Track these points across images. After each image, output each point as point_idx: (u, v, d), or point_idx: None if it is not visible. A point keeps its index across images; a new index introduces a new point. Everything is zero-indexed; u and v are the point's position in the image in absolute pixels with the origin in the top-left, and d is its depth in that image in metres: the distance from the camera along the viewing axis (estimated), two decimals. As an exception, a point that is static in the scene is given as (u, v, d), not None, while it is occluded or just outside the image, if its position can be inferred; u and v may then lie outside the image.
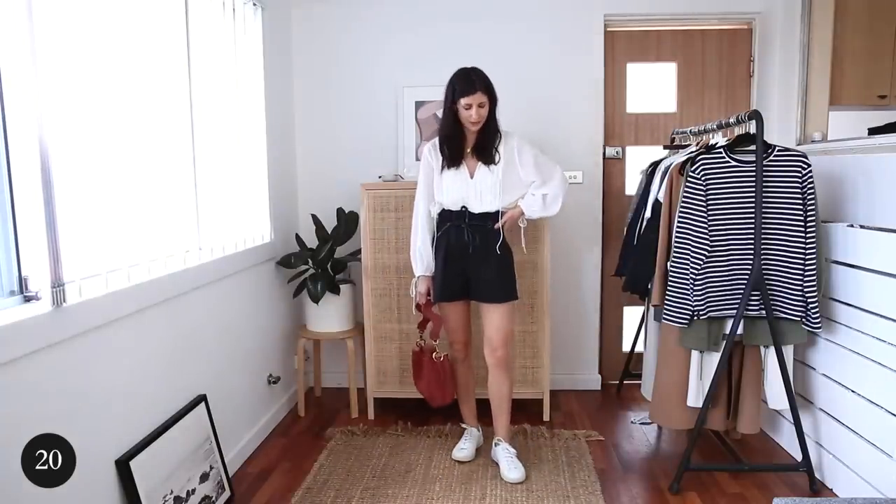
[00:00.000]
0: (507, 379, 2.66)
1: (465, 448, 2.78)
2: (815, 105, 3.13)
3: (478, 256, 2.58)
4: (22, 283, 1.61)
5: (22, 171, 1.58)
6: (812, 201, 2.43)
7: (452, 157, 2.57)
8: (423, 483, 2.58)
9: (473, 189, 2.56)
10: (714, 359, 2.55)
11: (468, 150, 2.58)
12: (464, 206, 2.58)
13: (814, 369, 2.63)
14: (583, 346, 3.66)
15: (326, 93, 3.60)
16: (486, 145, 2.55)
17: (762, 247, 2.45)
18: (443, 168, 2.60)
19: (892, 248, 2.18)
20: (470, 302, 2.70)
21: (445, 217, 2.62)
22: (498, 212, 2.58)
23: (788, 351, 2.56)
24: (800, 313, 2.47)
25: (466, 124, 2.52)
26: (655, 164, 3.01)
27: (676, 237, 2.52)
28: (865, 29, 3.13)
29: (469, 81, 2.47)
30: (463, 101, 2.47)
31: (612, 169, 3.64)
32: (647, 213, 2.83)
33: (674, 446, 2.96)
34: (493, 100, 2.52)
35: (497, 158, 2.56)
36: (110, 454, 1.88)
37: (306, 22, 3.56)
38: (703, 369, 2.58)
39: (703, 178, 2.47)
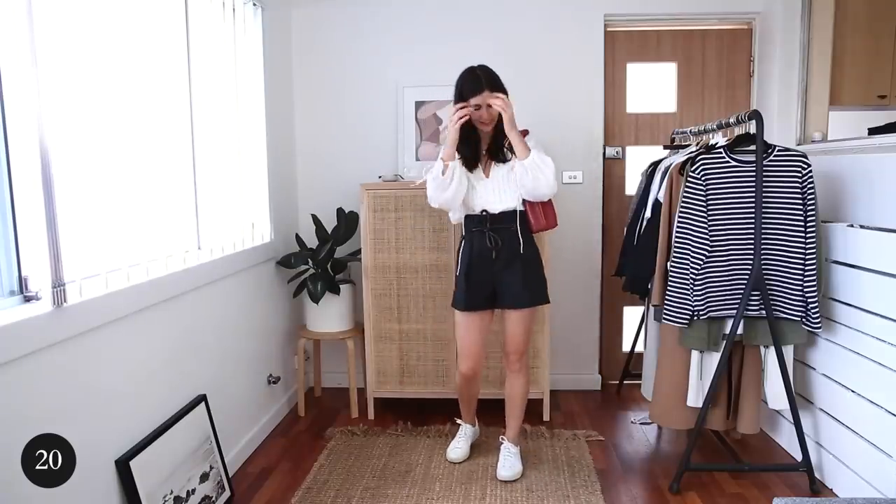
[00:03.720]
0: (523, 383, 2.64)
1: (459, 447, 2.78)
2: (815, 105, 3.13)
3: (502, 261, 2.51)
4: (22, 283, 1.61)
5: (22, 171, 1.58)
6: (812, 201, 2.43)
7: (469, 160, 2.51)
8: (423, 483, 2.58)
9: (491, 187, 2.50)
10: (714, 359, 2.55)
11: (484, 152, 2.54)
12: (484, 210, 2.52)
13: (814, 369, 2.63)
14: (583, 346, 3.66)
15: (326, 93, 3.60)
16: (499, 144, 2.51)
17: (762, 247, 2.45)
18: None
19: (892, 248, 2.18)
20: (492, 316, 2.63)
21: (468, 223, 2.57)
22: (516, 211, 2.50)
23: (788, 351, 2.56)
24: (800, 313, 2.47)
25: (478, 125, 2.47)
26: (655, 164, 3.01)
27: (676, 237, 2.52)
28: (865, 29, 3.13)
29: (475, 79, 2.42)
30: (471, 102, 2.42)
31: (612, 169, 3.64)
32: (647, 214, 2.83)
33: (674, 446, 2.96)
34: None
35: (510, 156, 2.49)
36: (110, 454, 1.88)
37: (306, 22, 3.56)
38: (703, 369, 2.58)
39: (703, 178, 2.47)
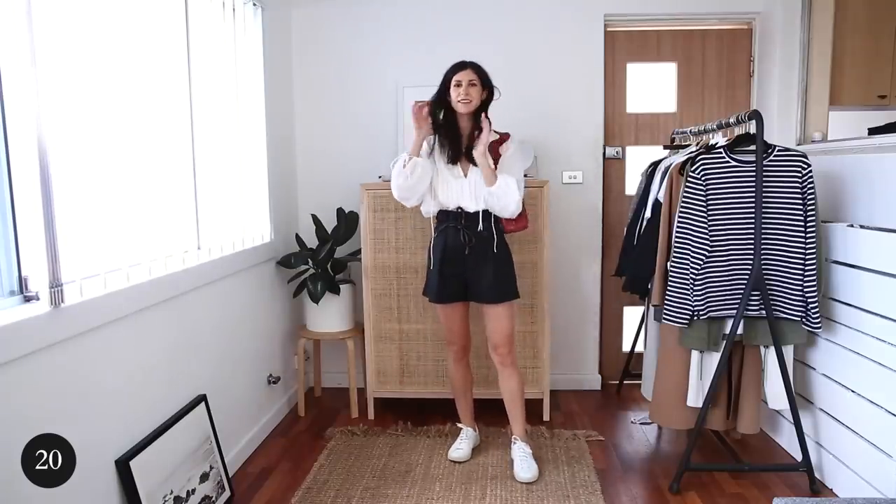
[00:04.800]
0: (515, 376, 2.65)
1: (461, 448, 2.78)
2: (815, 105, 3.13)
3: (475, 257, 2.56)
4: (21, 284, 1.61)
5: (21, 172, 1.58)
6: (812, 201, 2.43)
7: (452, 151, 2.54)
8: (423, 483, 2.58)
9: (468, 187, 2.53)
10: (714, 359, 2.55)
11: (463, 149, 2.56)
12: (459, 207, 2.55)
13: (814, 369, 2.63)
14: (583, 346, 3.66)
15: (326, 93, 3.60)
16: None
17: (762, 247, 2.45)
18: (432, 155, 2.57)
19: (892, 248, 2.18)
20: (469, 304, 2.69)
21: (442, 218, 2.61)
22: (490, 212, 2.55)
23: (788, 351, 2.56)
24: (800, 313, 2.47)
25: (457, 105, 2.49)
26: (655, 164, 3.01)
27: (676, 237, 2.52)
28: (865, 29, 3.13)
29: (460, 62, 2.52)
30: (454, 79, 2.48)
31: (612, 169, 3.64)
32: (647, 214, 2.83)
33: (674, 446, 2.96)
34: (485, 87, 2.51)
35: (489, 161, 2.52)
36: (110, 454, 1.88)
37: (306, 22, 3.56)
38: (703, 369, 2.58)
39: (703, 178, 2.47)
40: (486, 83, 2.52)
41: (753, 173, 2.42)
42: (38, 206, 1.61)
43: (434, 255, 2.62)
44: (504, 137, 2.56)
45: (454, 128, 2.55)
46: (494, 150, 2.55)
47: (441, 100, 2.53)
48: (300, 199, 3.66)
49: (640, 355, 3.30)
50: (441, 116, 2.55)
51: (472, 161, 2.53)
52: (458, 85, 2.48)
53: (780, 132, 3.28)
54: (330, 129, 3.61)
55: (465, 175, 2.55)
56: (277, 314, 3.29)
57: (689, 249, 2.49)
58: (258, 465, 2.79)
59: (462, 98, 2.47)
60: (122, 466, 1.89)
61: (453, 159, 2.54)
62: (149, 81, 2.15)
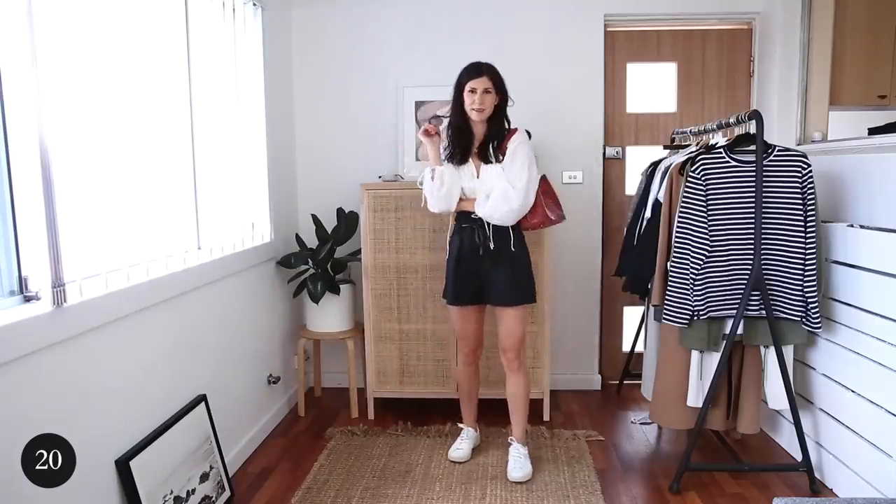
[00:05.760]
0: (521, 382, 2.65)
1: (461, 448, 2.78)
2: (815, 105, 3.13)
3: (490, 258, 2.54)
4: (22, 283, 1.61)
5: (22, 171, 1.59)
6: (812, 201, 2.43)
7: (461, 151, 2.53)
8: (423, 483, 2.58)
9: (480, 189, 2.52)
10: (714, 359, 2.55)
11: (475, 150, 2.55)
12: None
13: (814, 369, 2.63)
14: (583, 346, 3.65)
15: (326, 93, 3.60)
16: (487, 145, 2.53)
17: (762, 247, 2.45)
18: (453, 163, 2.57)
19: (892, 248, 2.18)
20: (484, 307, 2.67)
21: (459, 219, 2.61)
22: None
23: (788, 351, 2.56)
24: (800, 313, 2.47)
25: (470, 112, 2.49)
26: (655, 164, 3.01)
27: (676, 237, 2.52)
28: (865, 29, 3.13)
29: (476, 66, 2.50)
30: (468, 85, 2.47)
31: (612, 169, 3.64)
32: (647, 214, 2.83)
33: (674, 446, 2.96)
34: (500, 92, 2.51)
35: (499, 157, 2.51)
36: (110, 454, 1.88)
37: (306, 22, 3.56)
38: (703, 369, 2.58)
39: (703, 178, 2.47)
40: (500, 88, 2.51)
41: (753, 173, 2.42)
42: (40, 206, 1.61)
43: (450, 255, 2.63)
44: (511, 132, 2.56)
45: (466, 130, 2.55)
46: (502, 145, 2.54)
47: (456, 101, 2.53)
48: (300, 199, 3.66)
49: (640, 355, 3.30)
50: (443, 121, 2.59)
51: (485, 161, 2.53)
52: (473, 91, 2.47)
53: (780, 132, 3.28)
54: (330, 129, 3.61)
55: (478, 176, 2.54)
56: (277, 314, 3.29)
57: (689, 249, 2.49)
58: (258, 465, 2.79)
59: (476, 107, 2.47)
60: (122, 466, 1.89)
61: (462, 159, 2.55)
62: (149, 81, 2.15)
